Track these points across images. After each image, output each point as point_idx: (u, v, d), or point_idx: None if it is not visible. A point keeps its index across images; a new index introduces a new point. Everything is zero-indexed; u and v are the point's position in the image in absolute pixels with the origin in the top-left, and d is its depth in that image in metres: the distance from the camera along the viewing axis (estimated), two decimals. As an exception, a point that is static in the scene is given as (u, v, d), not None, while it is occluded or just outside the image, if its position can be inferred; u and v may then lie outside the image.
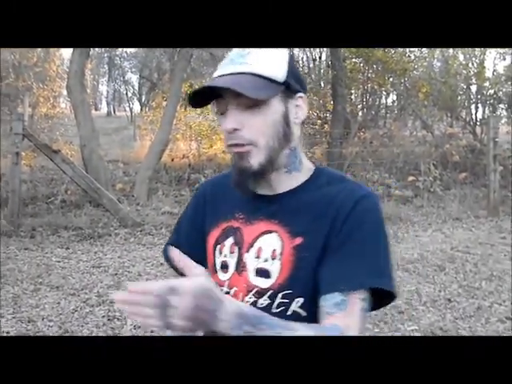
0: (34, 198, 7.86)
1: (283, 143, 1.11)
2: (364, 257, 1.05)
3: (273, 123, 1.09)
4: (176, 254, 0.94)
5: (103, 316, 3.82)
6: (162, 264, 5.16)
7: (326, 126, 11.96)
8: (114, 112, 35.13)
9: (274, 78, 1.08)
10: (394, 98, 14.53)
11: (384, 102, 14.76)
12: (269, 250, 1.11)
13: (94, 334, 3.49)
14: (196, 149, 11.52)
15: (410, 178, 9.18)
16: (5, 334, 3.47)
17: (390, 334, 3.49)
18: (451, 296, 4.25)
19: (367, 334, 3.47)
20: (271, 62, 1.08)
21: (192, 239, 1.28)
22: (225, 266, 1.17)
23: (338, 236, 1.07)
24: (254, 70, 1.06)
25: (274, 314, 1.02)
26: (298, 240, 1.09)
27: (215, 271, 1.19)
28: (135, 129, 17.61)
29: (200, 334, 0.87)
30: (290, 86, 1.11)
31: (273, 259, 1.10)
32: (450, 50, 13.35)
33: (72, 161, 7.00)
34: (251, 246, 1.14)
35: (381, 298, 1.08)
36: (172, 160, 10.71)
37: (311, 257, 1.07)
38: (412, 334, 3.50)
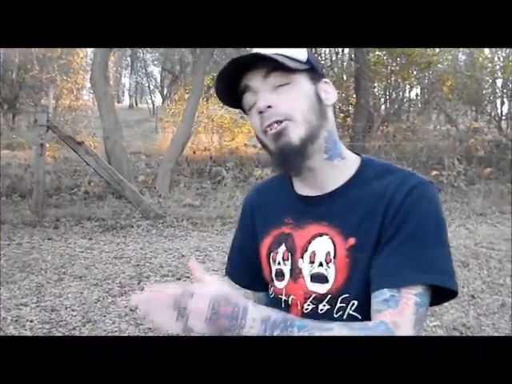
0: (57, 188, 7.95)
1: (320, 120, 1.07)
2: (414, 250, 0.99)
3: (306, 98, 1.06)
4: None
5: (125, 306, 3.85)
6: (183, 256, 5.19)
7: (348, 119, 11.89)
8: (137, 104, 35.39)
9: (295, 57, 1.06)
10: (418, 91, 14.43)
11: (408, 95, 14.67)
12: (322, 253, 1.07)
13: (116, 324, 3.51)
14: (218, 141, 11.55)
15: (434, 173, 9.07)
16: (28, 323, 3.51)
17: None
18: (475, 292, 4.20)
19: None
20: (289, 49, 1.07)
21: (245, 254, 1.26)
22: (280, 274, 1.14)
23: (388, 229, 1.01)
24: (275, 51, 1.04)
25: (335, 320, 1.01)
26: (351, 241, 1.04)
27: (272, 280, 1.17)
28: (157, 121, 17.70)
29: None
30: (314, 68, 1.09)
31: (327, 263, 1.06)
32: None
33: (95, 152, 7.05)
34: (304, 251, 1.10)
35: (438, 293, 1.01)
36: (194, 152, 10.74)
37: (365, 257, 1.03)
38: (434, 330, 3.47)
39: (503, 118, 12.36)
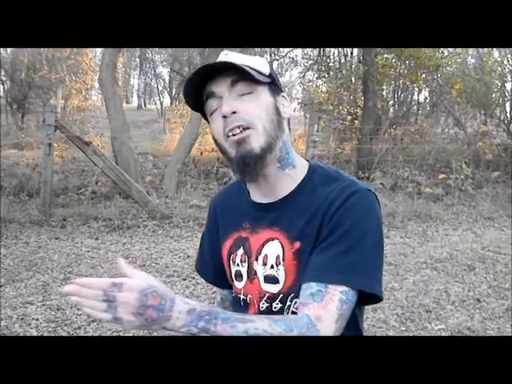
0: (65, 188, 7.97)
1: (278, 131, 1.13)
2: (344, 251, 1.05)
3: (266, 110, 1.12)
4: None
5: (130, 306, 3.86)
6: (188, 256, 5.19)
7: (356, 121, 11.86)
8: (145, 105, 35.47)
9: (260, 70, 1.13)
10: (427, 94, 14.35)
11: (416, 98, 14.60)
12: (273, 256, 1.16)
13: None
14: (225, 143, 11.50)
15: (441, 176, 9.03)
16: (34, 321, 3.53)
17: (416, 333, 3.45)
18: (480, 296, 4.18)
19: (393, 333, 3.44)
20: (255, 60, 1.14)
21: (212, 253, 1.35)
22: (239, 275, 1.24)
23: (323, 230, 1.09)
24: (242, 62, 1.10)
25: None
26: (297, 245, 1.13)
27: (232, 280, 1.27)
28: (165, 122, 17.72)
29: (154, 330, 0.89)
30: (275, 83, 1.16)
31: (277, 265, 1.15)
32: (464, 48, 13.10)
33: (103, 153, 7.07)
34: (258, 254, 1.19)
35: (364, 295, 1.07)
36: (201, 153, 10.74)
37: (309, 259, 1.10)
38: (439, 334, 3.46)
39: (512, 121, 12.29)
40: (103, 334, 3.31)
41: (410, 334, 3.42)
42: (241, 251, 1.23)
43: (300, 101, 17.18)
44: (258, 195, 1.22)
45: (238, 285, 1.24)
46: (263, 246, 1.18)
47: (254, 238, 1.20)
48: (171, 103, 27.98)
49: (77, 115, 13.20)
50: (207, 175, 9.58)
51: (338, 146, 11.41)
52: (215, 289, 1.43)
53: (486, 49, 13.01)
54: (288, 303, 1.14)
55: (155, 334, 2.87)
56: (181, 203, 7.51)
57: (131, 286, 0.88)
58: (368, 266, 1.06)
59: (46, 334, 3.33)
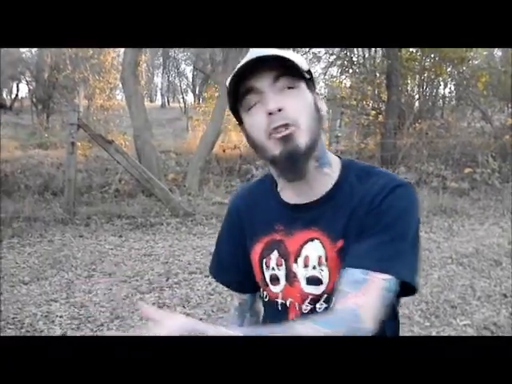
0: (88, 187, 8.06)
1: (319, 129, 1.11)
2: (391, 241, 1.04)
3: (309, 107, 1.09)
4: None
5: (153, 303, 3.87)
6: (211, 253, 5.18)
7: (380, 116, 11.74)
8: (168, 103, 35.69)
9: (300, 64, 1.08)
10: (452, 87, 14.15)
11: (441, 92, 14.39)
12: (315, 257, 1.13)
13: (143, 321, 3.54)
14: (247, 140, 11.51)
15: (467, 170, 8.89)
16: (58, 319, 3.56)
17: (441, 329, 3.40)
18: (507, 291, 4.10)
19: (418, 329, 3.39)
20: (293, 54, 1.09)
21: (233, 257, 1.30)
22: (275, 279, 1.19)
23: (367, 220, 1.07)
24: (284, 55, 1.06)
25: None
26: (340, 243, 1.10)
27: (266, 285, 1.22)
28: (188, 120, 17.80)
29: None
30: (312, 79, 1.13)
31: (320, 266, 1.12)
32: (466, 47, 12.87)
33: (125, 151, 7.12)
34: (297, 255, 1.15)
35: (401, 287, 1.05)
36: (223, 151, 10.76)
37: None
38: (464, 329, 3.40)
39: (540, 114, 12.05)
40: (125, 331, 3.33)
41: (435, 330, 3.37)
42: (275, 254, 1.18)
43: (323, 96, 17.11)
44: (292, 196, 1.18)
45: (275, 289, 1.20)
46: (302, 247, 1.14)
47: (291, 240, 1.16)
48: (194, 101, 28.15)
49: (100, 114, 13.34)
50: (230, 172, 9.59)
51: (361, 141, 11.32)
52: (232, 293, 1.39)
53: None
54: None
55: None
56: (203, 200, 7.53)
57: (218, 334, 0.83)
58: (410, 257, 1.05)
59: (69, 332, 3.36)
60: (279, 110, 1.04)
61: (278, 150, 1.06)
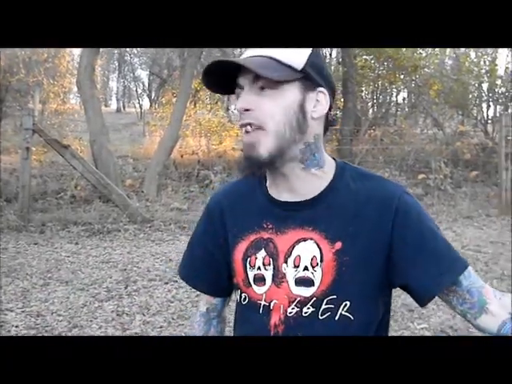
0: (43, 193, 7.89)
1: (296, 134, 1.06)
2: (445, 244, 1.10)
3: (285, 110, 1.04)
4: None
5: (112, 311, 3.82)
6: (170, 260, 5.16)
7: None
8: (124, 108, 35.30)
9: (290, 63, 1.04)
10: (405, 95, 14.50)
11: (395, 99, 14.74)
12: (307, 257, 1.08)
13: (102, 329, 3.49)
14: (205, 145, 11.52)
15: (421, 176, 9.12)
16: (14, 328, 3.48)
17: (399, 333, 3.47)
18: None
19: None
20: (290, 51, 1.05)
21: (209, 258, 1.23)
22: (260, 279, 1.13)
23: (401, 234, 1.07)
24: (270, 54, 1.03)
25: (320, 321, 1.05)
26: (338, 245, 1.07)
27: (248, 285, 1.15)
28: (145, 125, 17.64)
29: None
30: (310, 77, 1.06)
31: (313, 267, 1.08)
32: (462, 48, 13.28)
33: (82, 156, 7.01)
34: (288, 255, 1.10)
35: None
36: (181, 156, 10.72)
37: (353, 259, 1.06)
38: (422, 333, 3.48)
39: (489, 121, 12.45)
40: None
41: (393, 334, 3.43)
42: (262, 253, 1.12)
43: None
44: (281, 193, 1.13)
45: (259, 290, 1.13)
46: (293, 246, 1.09)
47: (281, 239, 1.11)
48: (150, 106, 27.90)
49: (55, 119, 13.08)
50: (188, 178, 9.55)
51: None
52: (201, 297, 1.31)
53: (462, 49, 13.20)
54: (323, 306, 1.07)
55: (154, 333, 2.84)
56: (162, 206, 7.47)
57: None
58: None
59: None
60: (246, 110, 1.04)
61: (243, 150, 1.08)
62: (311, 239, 1.09)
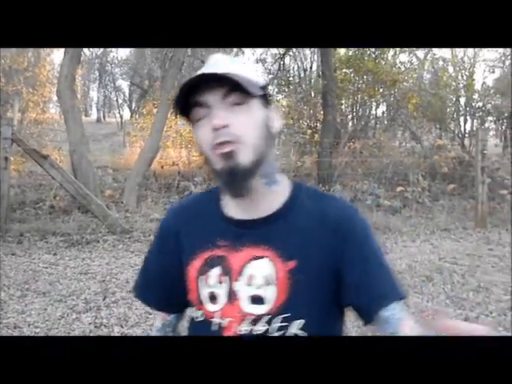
0: (22, 203, 7.81)
1: (267, 146, 1.09)
2: (385, 267, 1.12)
3: (257, 123, 1.07)
4: None
5: (90, 323, 3.79)
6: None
7: (316, 135, 11.99)
8: (104, 118, 35.15)
9: (255, 81, 1.08)
10: (384, 108, 14.65)
11: (374, 112, 14.88)
12: (261, 276, 1.09)
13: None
14: (186, 156, 11.51)
15: (399, 189, 9.21)
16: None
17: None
18: (439, 306, 4.26)
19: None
20: (250, 69, 1.10)
21: (164, 277, 1.23)
22: (213, 297, 1.13)
23: (342, 250, 1.09)
24: (238, 71, 1.06)
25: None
26: (292, 264, 1.08)
27: (202, 302, 1.14)
28: (125, 135, 17.57)
29: None
30: (266, 94, 1.11)
31: (267, 285, 1.08)
32: (440, 62, 13.49)
33: (61, 166, 6.97)
34: (241, 273, 1.10)
35: None
36: (162, 167, 10.69)
37: (308, 278, 1.08)
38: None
39: (466, 135, 12.61)
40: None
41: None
42: (216, 271, 1.12)
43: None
44: (237, 211, 1.14)
45: (212, 307, 1.12)
46: (247, 264, 1.10)
47: (235, 257, 1.11)
48: (131, 116, 27.80)
49: (34, 128, 12.96)
50: (168, 189, 9.53)
51: (298, 159, 11.51)
52: (155, 314, 1.32)
53: (440, 64, 13.41)
54: (277, 325, 1.07)
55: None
56: (141, 217, 7.44)
57: None
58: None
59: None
60: (224, 127, 1.03)
61: (220, 165, 1.05)
62: (266, 257, 1.09)
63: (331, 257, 1.09)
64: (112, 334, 3.57)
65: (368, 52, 11.88)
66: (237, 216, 1.14)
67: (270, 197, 1.13)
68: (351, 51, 12.15)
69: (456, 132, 12.60)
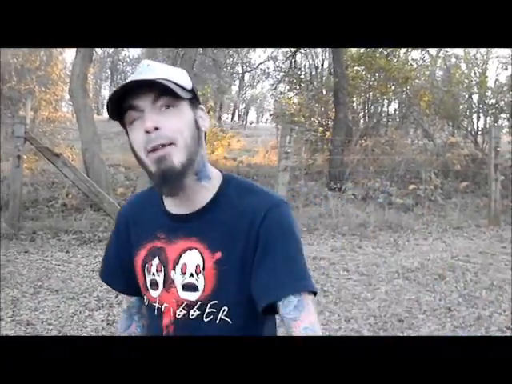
0: (34, 201, 7.86)
1: (197, 146, 1.17)
2: (293, 259, 1.14)
3: (187, 125, 1.15)
4: None
5: (102, 320, 3.81)
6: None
7: (327, 133, 11.97)
8: (116, 117, 35.17)
9: (183, 84, 1.16)
10: (396, 106, 14.56)
11: (386, 110, 14.79)
12: (192, 265, 1.19)
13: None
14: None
15: (411, 187, 9.16)
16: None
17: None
18: (451, 305, 4.24)
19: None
20: (177, 73, 1.18)
21: (121, 263, 1.35)
22: (154, 284, 1.25)
23: (256, 242, 1.15)
24: (167, 76, 1.13)
25: (205, 323, 1.17)
26: (218, 255, 1.18)
27: (146, 288, 1.28)
28: (137, 134, 17.56)
29: None
30: (195, 95, 1.20)
31: (197, 274, 1.19)
32: (453, 59, 13.38)
33: (73, 164, 7.00)
34: (176, 263, 1.22)
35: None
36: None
37: (231, 269, 1.17)
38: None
39: (479, 132, 12.50)
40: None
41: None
42: (156, 261, 1.25)
43: (272, 112, 17.30)
44: (174, 206, 1.24)
45: (153, 293, 1.26)
46: (181, 255, 1.21)
47: (171, 248, 1.23)
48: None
49: (47, 127, 13.01)
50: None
51: (309, 157, 11.49)
52: (122, 297, 1.46)
53: (453, 61, 13.32)
54: (208, 310, 1.18)
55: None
56: (153, 215, 7.44)
57: None
58: (306, 269, 1.16)
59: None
60: (156, 129, 1.10)
61: (154, 168, 1.13)
62: (196, 249, 1.20)
63: (251, 248, 1.16)
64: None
65: (380, 49, 11.81)
66: (173, 211, 1.24)
67: (202, 192, 1.21)
68: (363, 49, 12.08)
69: (469, 129, 12.49)
